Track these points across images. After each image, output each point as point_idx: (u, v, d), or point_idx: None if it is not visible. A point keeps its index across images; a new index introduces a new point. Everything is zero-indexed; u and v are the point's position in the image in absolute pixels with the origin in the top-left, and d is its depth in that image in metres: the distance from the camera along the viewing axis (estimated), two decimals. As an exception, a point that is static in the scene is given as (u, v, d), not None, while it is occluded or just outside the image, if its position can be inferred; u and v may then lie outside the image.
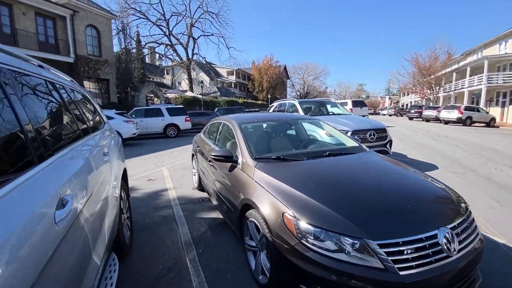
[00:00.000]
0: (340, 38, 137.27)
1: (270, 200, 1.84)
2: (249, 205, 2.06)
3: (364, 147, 2.83)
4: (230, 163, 2.54)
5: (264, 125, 3.37)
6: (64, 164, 1.35)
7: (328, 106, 7.45)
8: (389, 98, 79.95)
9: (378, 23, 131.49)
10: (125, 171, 2.92)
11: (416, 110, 26.23)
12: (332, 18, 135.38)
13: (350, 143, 2.96)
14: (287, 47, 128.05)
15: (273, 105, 8.76)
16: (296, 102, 7.03)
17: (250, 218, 2.03)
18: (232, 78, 52.96)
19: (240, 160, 2.45)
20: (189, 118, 14.96)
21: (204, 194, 4.16)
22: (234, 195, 2.35)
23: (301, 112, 6.66)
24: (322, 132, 3.34)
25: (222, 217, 3.18)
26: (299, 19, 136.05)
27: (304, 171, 2.16)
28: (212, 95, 37.92)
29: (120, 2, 22.41)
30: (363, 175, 2.15)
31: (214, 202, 3.22)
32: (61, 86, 1.84)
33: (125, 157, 7.24)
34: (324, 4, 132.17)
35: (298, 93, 70.79)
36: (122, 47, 21.26)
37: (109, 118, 10.68)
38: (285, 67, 62.07)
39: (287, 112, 7.38)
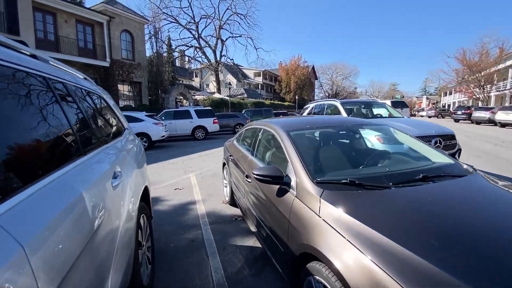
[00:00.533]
0: (371, 35, 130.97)
1: (354, 256, 1.16)
2: (312, 255, 1.39)
3: (464, 165, 2.02)
4: (279, 186, 1.90)
5: (319, 133, 2.66)
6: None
7: (374, 108, 6.52)
8: (427, 98, 74.21)
9: (412, 20, 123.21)
10: (146, 190, 2.39)
11: (463, 111, 23.52)
12: (362, 15, 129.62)
13: (440, 158, 2.15)
14: (315, 47, 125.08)
15: (308, 107, 7.98)
16: (337, 103, 6.19)
17: (315, 276, 1.36)
18: (259, 80, 52.65)
19: (293, 183, 1.80)
20: (217, 120, 14.67)
21: (237, 211, 3.57)
22: (286, 231, 1.70)
23: (344, 115, 5.84)
24: (394, 140, 2.56)
25: (260, 245, 2.55)
26: (327, 17, 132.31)
27: (400, 209, 1.43)
28: (239, 96, 37.83)
29: (152, 8, 23.08)
30: (490, 219, 1.38)
31: (252, 228, 2.59)
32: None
33: (153, 161, 6.91)
34: (352, 2, 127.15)
35: (327, 94, 68.49)
36: (154, 51, 21.84)
37: (139, 120, 10.70)
38: (313, 68, 60.36)
39: (325, 114, 6.59)
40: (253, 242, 2.77)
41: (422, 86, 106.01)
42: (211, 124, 14.36)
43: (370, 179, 1.70)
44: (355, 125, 2.72)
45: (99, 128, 1.87)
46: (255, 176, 1.90)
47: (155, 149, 10.56)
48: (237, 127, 17.63)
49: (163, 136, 10.71)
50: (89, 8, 16.38)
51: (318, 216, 1.46)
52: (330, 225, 1.36)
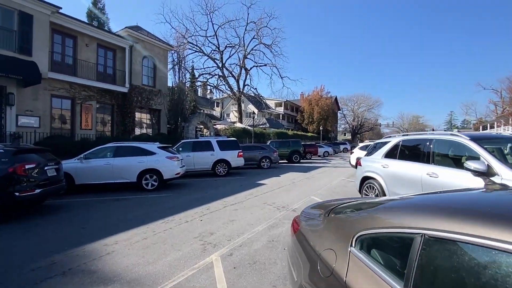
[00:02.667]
0: (393, 68, 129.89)
1: None
2: None
3: None
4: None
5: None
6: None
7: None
8: (458, 131, 69.05)
9: (438, 55, 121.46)
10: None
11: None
12: (381, 48, 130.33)
13: None
14: (336, 79, 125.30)
15: (387, 141, 5.43)
16: (468, 141, 3.59)
17: None
18: (280, 110, 51.36)
19: None
20: (242, 153, 12.39)
21: None
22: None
23: (487, 159, 3.23)
24: None
25: None
26: (347, 50, 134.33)
27: None
28: (261, 126, 36.08)
29: (178, 37, 22.70)
30: None
31: None
32: None
33: (156, 214, 4.46)
34: (367, 37, 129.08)
35: (351, 126, 65.64)
36: (177, 78, 20.88)
37: (149, 153, 8.53)
38: (335, 98, 58.62)
39: (436, 157, 3.99)
40: None
41: (447, 118, 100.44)
42: (235, 158, 12.07)
43: None
44: None
45: None
46: None
47: (165, 190, 8.26)
48: (263, 160, 15.23)
49: (178, 173, 8.46)
50: (113, 33, 15.70)
51: None
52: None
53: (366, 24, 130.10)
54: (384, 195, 4.89)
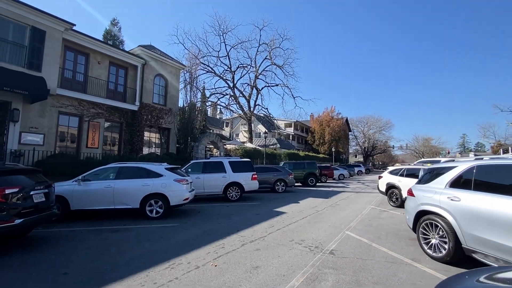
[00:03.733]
0: (406, 89, 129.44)
1: None
2: None
3: None
4: None
5: None
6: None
7: None
8: (475, 154, 66.13)
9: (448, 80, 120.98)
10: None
11: None
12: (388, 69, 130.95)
13: None
14: (345, 100, 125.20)
15: (452, 167, 4.28)
16: None
17: None
18: (290, 130, 50.63)
19: None
20: (256, 176, 11.31)
21: None
22: None
23: None
24: None
25: None
26: (357, 72, 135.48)
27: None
28: (272, 146, 35.14)
29: (190, 58, 22.70)
30: None
31: None
32: None
33: (161, 255, 3.45)
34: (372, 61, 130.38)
35: (362, 148, 63.99)
36: (188, 97, 20.52)
37: (155, 175, 7.42)
38: (346, 119, 57.69)
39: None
40: None
41: (460, 141, 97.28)
42: (248, 181, 10.98)
43: None
44: None
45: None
46: None
47: (171, 218, 7.19)
48: (278, 183, 14.06)
49: (187, 199, 7.42)
50: (126, 51, 15.57)
51: None
52: None
53: (379, 45, 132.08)
54: (456, 237, 3.71)
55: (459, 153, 75.23)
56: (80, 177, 6.99)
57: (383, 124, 64.23)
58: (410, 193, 4.82)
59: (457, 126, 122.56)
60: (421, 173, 8.54)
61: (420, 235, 4.38)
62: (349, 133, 62.13)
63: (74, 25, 11.83)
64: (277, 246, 4.77)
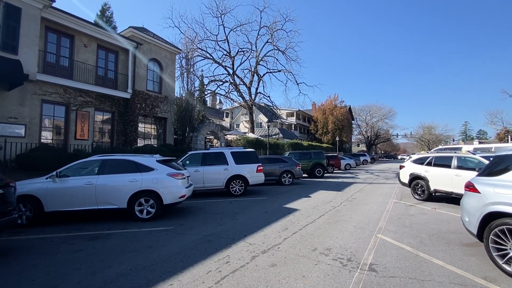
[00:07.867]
0: (410, 78, 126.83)
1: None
2: None
3: None
4: None
5: None
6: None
7: None
8: (479, 142, 64.88)
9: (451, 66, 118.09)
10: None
11: None
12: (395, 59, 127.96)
13: None
14: (347, 89, 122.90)
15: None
16: None
17: None
18: (292, 120, 49.24)
19: None
20: (262, 168, 10.21)
21: None
22: None
23: None
24: None
25: None
26: (358, 59, 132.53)
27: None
28: (274, 137, 34.01)
29: (186, 42, 21.18)
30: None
31: None
32: None
33: (148, 274, 2.35)
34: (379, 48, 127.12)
35: (366, 137, 62.74)
36: (185, 84, 19.22)
37: (146, 169, 6.09)
38: (349, 108, 56.12)
39: None
40: None
41: (462, 129, 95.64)
42: (253, 173, 9.89)
43: None
44: None
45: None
46: None
47: (164, 219, 6.13)
48: (284, 175, 12.98)
49: (183, 196, 6.34)
50: (116, 33, 14.19)
51: None
52: None
53: (383, 37, 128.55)
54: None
55: (462, 141, 73.86)
56: (54, 172, 5.88)
57: (386, 112, 62.76)
58: (471, 188, 3.70)
59: (462, 114, 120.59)
60: (454, 162, 7.41)
61: (490, 244, 3.29)
62: (352, 122, 60.77)
63: (54, 1, 10.47)
64: (297, 258, 3.69)
